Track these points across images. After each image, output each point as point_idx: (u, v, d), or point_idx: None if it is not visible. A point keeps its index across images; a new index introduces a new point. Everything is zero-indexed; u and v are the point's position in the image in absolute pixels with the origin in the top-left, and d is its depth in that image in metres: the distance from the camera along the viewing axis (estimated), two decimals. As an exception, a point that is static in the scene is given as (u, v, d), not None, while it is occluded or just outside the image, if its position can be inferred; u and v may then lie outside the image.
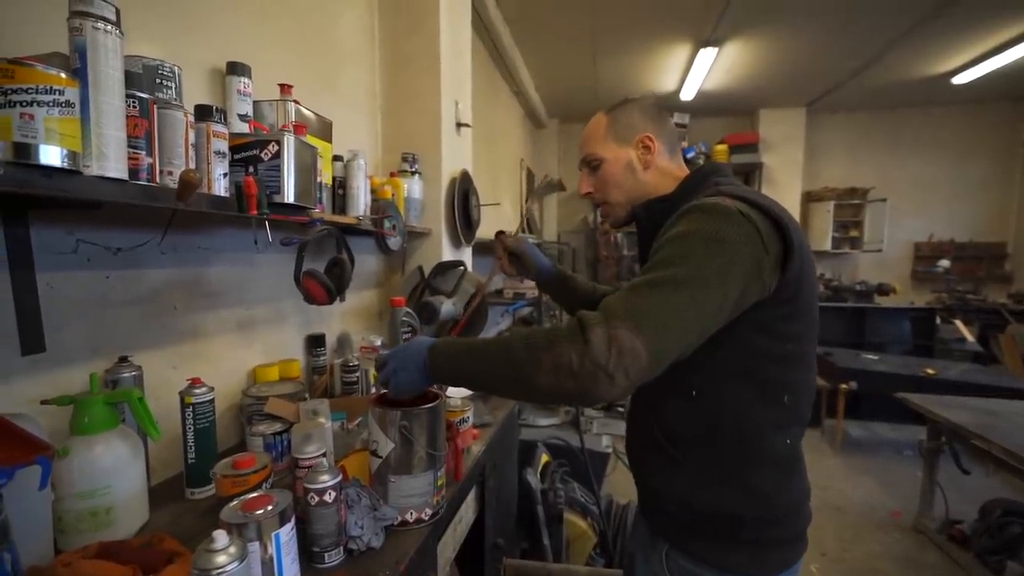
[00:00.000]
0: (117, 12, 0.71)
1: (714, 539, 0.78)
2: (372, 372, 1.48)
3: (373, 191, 1.64)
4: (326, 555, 0.77)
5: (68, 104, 0.64)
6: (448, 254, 2.11)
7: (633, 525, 1.00)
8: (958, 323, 4.72)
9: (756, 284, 0.68)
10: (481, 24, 3.16)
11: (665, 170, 0.89)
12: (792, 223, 0.72)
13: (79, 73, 0.67)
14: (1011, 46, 3.89)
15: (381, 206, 1.62)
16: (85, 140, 0.68)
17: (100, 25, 0.69)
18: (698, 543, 0.79)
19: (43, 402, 0.80)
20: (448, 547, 1.08)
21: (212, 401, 0.99)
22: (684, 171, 0.90)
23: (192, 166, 0.89)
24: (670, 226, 0.73)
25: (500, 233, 1.23)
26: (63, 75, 0.63)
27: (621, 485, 2.67)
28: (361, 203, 1.52)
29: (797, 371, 0.76)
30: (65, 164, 0.64)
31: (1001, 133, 5.52)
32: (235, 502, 0.70)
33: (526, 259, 1.18)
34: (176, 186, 0.80)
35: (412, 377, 0.76)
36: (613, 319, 0.61)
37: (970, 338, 4.61)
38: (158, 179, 0.82)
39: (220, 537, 0.58)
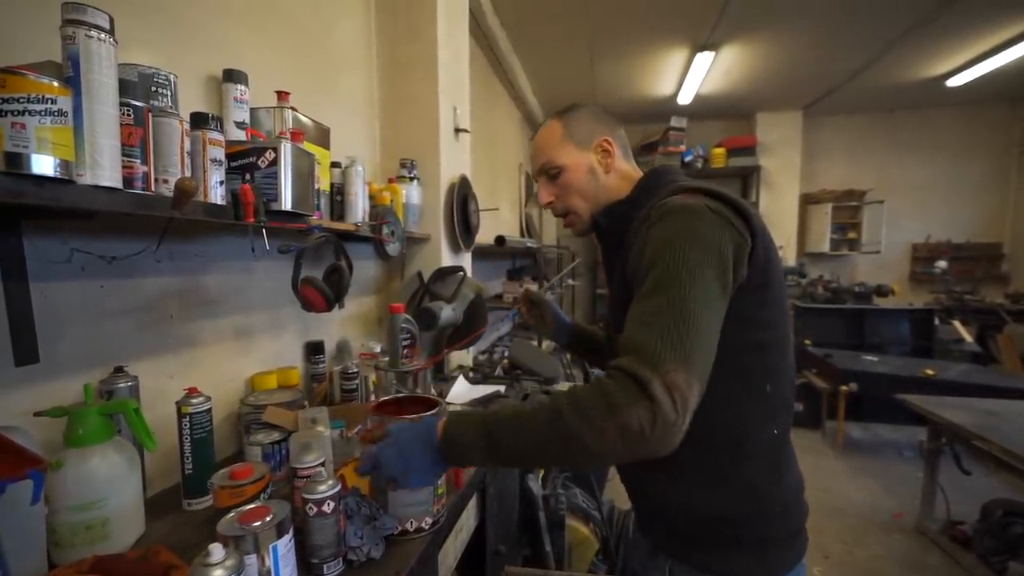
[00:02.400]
0: (110, 20, 0.71)
1: (716, 545, 0.77)
2: (372, 379, 1.47)
3: (371, 197, 1.64)
4: (325, 566, 0.76)
5: (61, 113, 0.63)
6: (447, 260, 2.10)
7: (632, 543, 0.98)
8: (956, 324, 4.72)
9: (741, 272, 0.69)
10: (479, 30, 3.17)
11: (623, 173, 0.89)
12: (752, 208, 0.73)
13: (72, 82, 0.67)
14: (1006, 48, 3.92)
15: (379, 212, 1.61)
16: (78, 149, 0.67)
17: (93, 33, 0.68)
18: (700, 552, 0.78)
19: (36, 414, 0.79)
20: (449, 556, 1.07)
21: (209, 411, 0.98)
22: (639, 173, 0.90)
23: (188, 174, 0.88)
24: (646, 233, 0.72)
25: (527, 288, 1.24)
26: (55, 84, 0.62)
27: (623, 491, 2.66)
28: (359, 209, 1.52)
29: (774, 357, 0.76)
30: (58, 173, 0.63)
31: (997, 134, 5.55)
32: (232, 514, 0.69)
33: (546, 310, 1.16)
34: (172, 194, 0.80)
35: (424, 466, 0.68)
36: (661, 364, 0.58)
37: (968, 338, 4.61)
38: (153, 187, 0.81)
39: (216, 551, 0.57)
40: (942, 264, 5.51)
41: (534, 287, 1.20)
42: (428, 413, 0.86)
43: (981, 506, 2.36)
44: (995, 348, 4.61)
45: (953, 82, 4.65)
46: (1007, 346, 4.48)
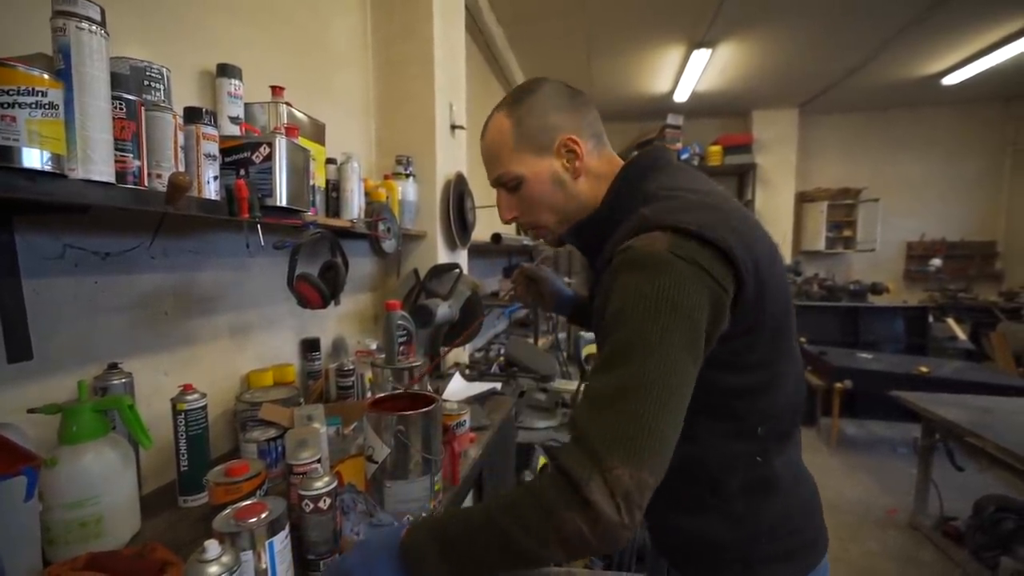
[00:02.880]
0: (102, 12, 0.70)
1: (702, 561, 0.73)
2: (368, 376, 1.47)
3: (367, 194, 1.63)
4: (322, 563, 0.76)
5: (51, 106, 0.62)
6: (444, 257, 2.10)
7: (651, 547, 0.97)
8: (950, 321, 4.75)
9: (721, 325, 0.60)
10: (475, 26, 3.16)
11: (597, 172, 0.75)
12: (738, 236, 0.60)
13: (63, 74, 0.66)
14: (999, 47, 3.94)
15: (375, 209, 1.61)
16: (69, 143, 0.66)
17: (84, 25, 0.67)
18: (691, 563, 0.75)
19: (30, 411, 0.78)
20: (445, 552, 1.07)
21: (204, 408, 0.97)
22: (615, 164, 0.76)
23: (181, 169, 0.88)
24: (609, 280, 0.61)
25: (523, 264, 1.16)
26: (46, 76, 0.62)
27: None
28: (355, 206, 1.51)
29: (769, 396, 0.68)
30: (49, 167, 0.62)
31: (990, 133, 5.58)
32: (227, 510, 0.68)
33: (544, 284, 1.07)
34: (165, 189, 0.79)
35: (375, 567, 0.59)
36: (604, 461, 0.51)
37: (962, 336, 4.64)
38: (146, 182, 0.80)
39: (212, 547, 0.56)
40: (936, 262, 5.55)
41: (531, 264, 1.14)
42: (423, 409, 0.86)
43: (974, 502, 2.38)
44: (988, 346, 4.65)
45: (948, 81, 4.67)
46: (1000, 344, 4.52)
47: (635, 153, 0.75)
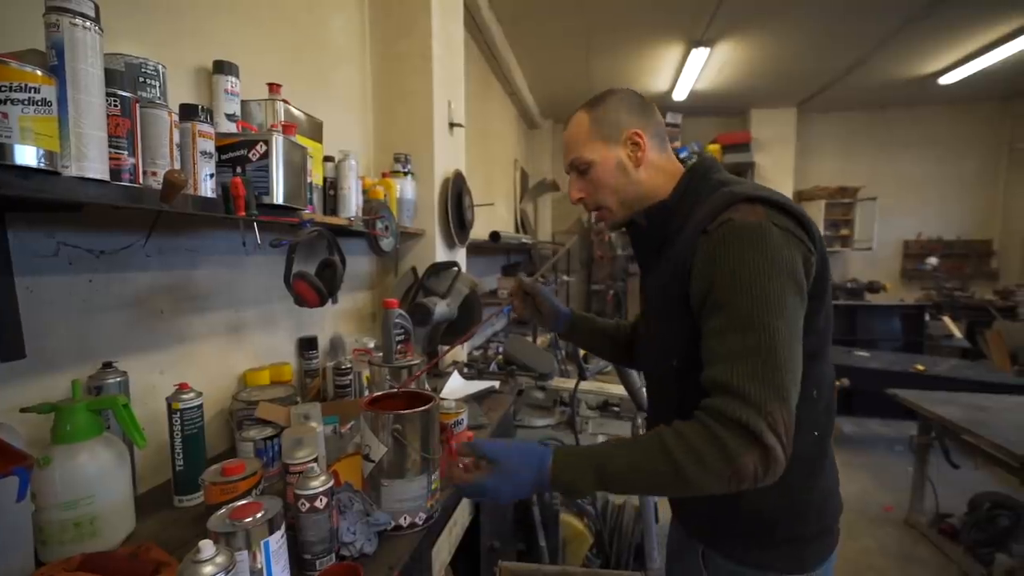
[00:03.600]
0: (96, 8, 0.69)
1: (750, 539, 0.78)
2: (365, 375, 1.46)
3: (365, 192, 1.62)
4: (318, 562, 0.75)
5: (44, 102, 0.62)
6: (442, 255, 2.09)
7: (668, 536, 0.99)
8: (946, 320, 4.77)
9: (809, 282, 0.69)
10: (474, 24, 3.15)
11: (658, 166, 0.84)
12: (809, 217, 0.72)
13: (56, 71, 0.65)
14: (996, 46, 3.94)
15: (373, 207, 1.60)
16: (63, 140, 0.66)
17: (78, 21, 0.66)
18: (736, 544, 0.80)
19: (23, 410, 0.77)
20: (443, 551, 1.07)
21: (200, 406, 0.97)
22: (676, 165, 0.86)
23: (177, 166, 0.87)
24: (708, 253, 0.69)
25: (519, 277, 1.17)
26: (39, 72, 0.61)
27: (616, 485, 2.67)
28: (353, 204, 1.50)
29: (821, 364, 0.76)
30: (42, 164, 0.62)
31: (987, 132, 5.60)
32: (223, 510, 0.68)
33: (540, 299, 1.10)
34: (160, 187, 0.78)
35: (523, 488, 0.70)
36: (764, 407, 0.61)
37: (958, 334, 4.66)
38: (141, 180, 0.80)
39: (206, 547, 0.56)
40: (933, 261, 5.57)
41: (528, 278, 1.14)
42: (420, 408, 0.86)
43: (969, 499, 2.39)
44: (984, 344, 4.67)
45: (945, 80, 4.68)
46: (996, 342, 4.54)
47: (696, 160, 0.85)
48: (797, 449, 0.71)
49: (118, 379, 0.93)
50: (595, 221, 0.92)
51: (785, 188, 5.77)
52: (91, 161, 0.69)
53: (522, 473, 0.69)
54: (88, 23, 0.68)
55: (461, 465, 0.73)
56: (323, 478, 0.76)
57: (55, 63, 0.66)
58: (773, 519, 0.76)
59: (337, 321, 1.79)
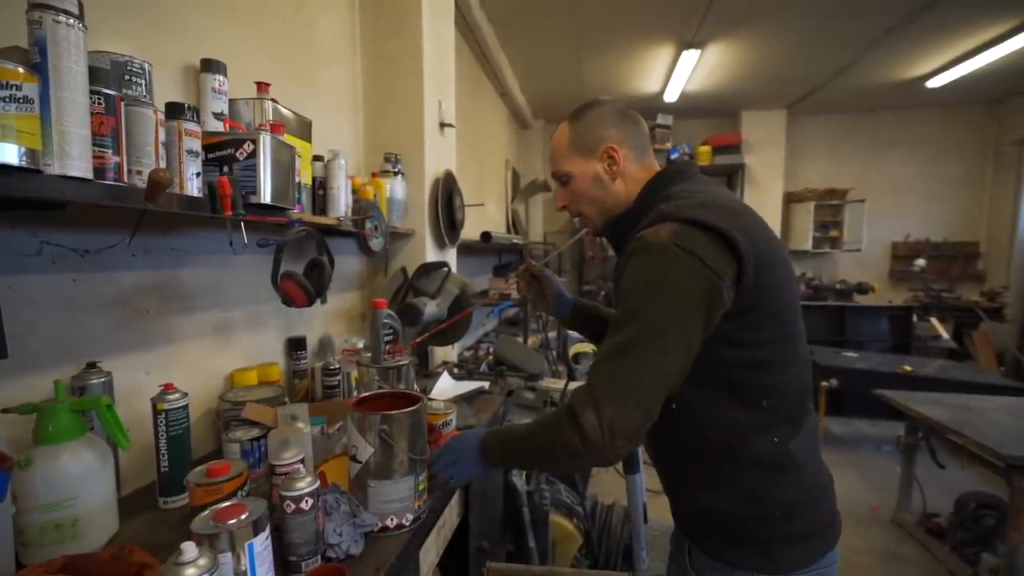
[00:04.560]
0: (80, 5, 0.68)
1: (723, 538, 0.81)
2: (354, 375, 1.46)
3: (354, 191, 1.62)
4: (303, 564, 0.75)
5: (26, 100, 0.61)
6: (432, 255, 2.09)
7: (671, 535, 1.02)
8: (934, 321, 4.83)
9: (719, 307, 0.71)
10: (465, 25, 3.15)
11: (635, 177, 0.88)
12: (743, 231, 0.71)
13: (39, 68, 0.65)
14: (983, 50, 4.00)
15: (362, 207, 1.60)
16: (46, 137, 0.65)
17: (61, 18, 0.66)
18: (712, 541, 0.82)
19: (4, 411, 0.76)
20: (431, 552, 1.07)
21: (186, 407, 0.96)
22: (651, 172, 0.89)
23: (163, 165, 0.86)
24: (624, 263, 0.76)
25: (528, 260, 1.21)
26: (20, 70, 0.60)
27: (606, 485, 2.68)
28: (342, 204, 1.50)
29: (772, 374, 0.77)
30: (23, 163, 0.61)
31: (974, 135, 5.68)
32: (207, 512, 0.67)
33: (547, 284, 1.16)
34: (145, 186, 0.78)
35: (471, 468, 0.88)
36: (598, 400, 0.69)
37: (945, 335, 4.72)
38: (126, 178, 0.79)
39: (189, 549, 0.56)
40: (921, 262, 5.64)
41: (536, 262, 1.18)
42: (408, 409, 0.86)
43: (955, 499, 2.42)
44: (971, 345, 4.74)
45: (933, 83, 4.74)
46: (982, 343, 4.61)
47: (666, 167, 0.89)
48: (755, 453, 0.77)
49: (102, 379, 0.92)
50: (579, 227, 0.97)
51: (775, 190, 5.82)
52: (74, 159, 0.68)
53: (464, 452, 0.87)
54: (72, 20, 0.67)
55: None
56: (309, 479, 0.76)
57: (38, 60, 0.65)
58: (742, 519, 0.78)
59: (326, 321, 1.78)
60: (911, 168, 5.83)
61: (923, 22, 3.56)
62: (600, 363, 0.72)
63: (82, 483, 0.78)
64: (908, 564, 2.35)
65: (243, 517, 0.66)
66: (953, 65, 4.32)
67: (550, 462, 0.81)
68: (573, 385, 1.93)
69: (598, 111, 0.89)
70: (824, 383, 3.53)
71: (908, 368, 3.46)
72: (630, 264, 0.74)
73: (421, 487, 0.90)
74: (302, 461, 0.86)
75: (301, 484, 0.75)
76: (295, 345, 1.53)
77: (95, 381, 0.91)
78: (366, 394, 0.95)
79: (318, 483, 0.77)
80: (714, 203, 0.76)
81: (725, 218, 0.71)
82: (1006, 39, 3.79)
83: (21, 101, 0.61)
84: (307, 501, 0.74)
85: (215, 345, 1.28)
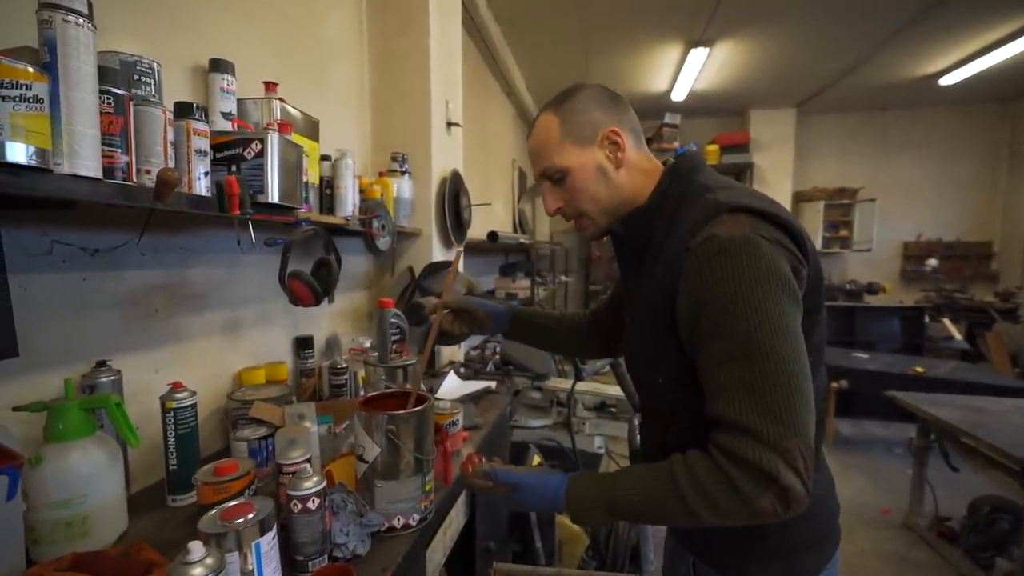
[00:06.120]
0: (89, 5, 0.69)
1: (741, 552, 0.75)
2: (361, 375, 1.46)
3: (362, 191, 1.62)
4: (310, 563, 0.75)
5: (36, 100, 0.61)
6: (439, 255, 2.09)
7: (666, 541, 0.96)
8: (946, 321, 4.77)
9: (802, 295, 0.65)
10: (472, 23, 3.15)
11: (638, 166, 0.77)
12: (800, 226, 0.67)
13: (49, 68, 0.65)
14: (996, 47, 3.94)
15: (370, 206, 1.60)
16: (55, 137, 0.65)
17: (71, 18, 0.66)
18: (725, 554, 0.77)
19: (15, 408, 0.77)
20: (438, 552, 1.06)
21: (194, 406, 0.96)
22: (655, 164, 0.79)
23: (171, 165, 0.87)
24: (694, 272, 0.64)
25: (433, 302, 1.05)
26: (31, 69, 0.61)
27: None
28: (349, 203, 1.50)
29: (816, 377, 0.70)
30: (33, 162, 0.61)
31: (987, 134, 5.60)
32: (214, 511, 0.67)
33: (476, 311, 1.02)
34: (153, 185, 0.78)
35: (543, 504, 0.73)
36: (779, 443, 0.57)
37: (958, 336, 4.66)
38: (135, 178, 0.79)
39: (196, 548, 0.56)
40: (933, 262, 5.57)
41: (454, 289, 1.05)
42: (414, 409, 0.86)
43: (969, 503, 2.39)
44: (984, 346, 4.66)
45: (946, 81, 4.67)
46: (996, 344, 4.54)
47: (677, 157, 0.79)
48: None
49: (112, 378, 0.92)
50: (576, 231, 0.82)
51: (784, 189, 5.77)
52: (83, 159, 0.69)
53: (535, 502, 0.72)
54: (81, 20, 0.68)
55: (478, 481, 0.75)
56: (316, 479, 0.76)
57: (48, 60, 0.66)
58: (763, 530, 0.72)
59: (334, 320, 1.79)
60: (923, 167, 5.76)
61: (935, 19, 3.51)
62: (753, 398, 0.59)
63: (92, 481, 0.78)
64: (919, 568, 2.32)
65: (250, 516, 0.66)
66: (966, 63, 4.26)
67: (698, 525, 0.63)
68: (581, 385, 1.92)
69: (586, 92, 0.77)
70: (834, 384, 3.49)
71: (920, 369, 3.41)
72: (714, 267, 0.62)
73: (428, 487, 0.90)
74: (309, 460, 0.85)
75: (308, 484, 0.75)
76: (303, 344, 1.53)
77: (105, 379, 0.91)
78: (373, 393, 0.95)
79: (324, 483, 0.77)
80: (758, 194, 0.69)
81: (781, 210, 0.66)
82: (1020, 36, 3.73)
83: (31, 101, 0.61)
84: (313, 501, 0.74)
85: (223, 344, 1.28)
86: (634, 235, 0.79)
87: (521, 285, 3.23)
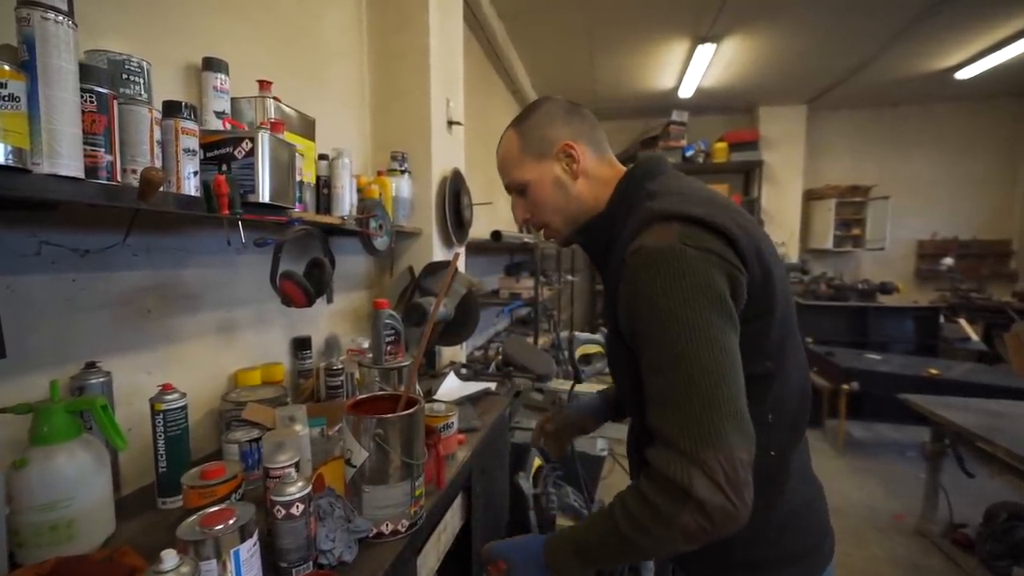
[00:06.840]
0: (69, 2, 0.68)
1: (709, 563, 0.75)
2: (357, 376, 1.45)
3: (360, 190, 1.61)
4: (294, 570, 0.73)
5: (12, 98, 0.60)
6: (439, 254, 2.07)
7: None
8: (962, 322, 4.66)
9: (739, 305, 0.63)
10: (475, 20, 3.13)
11: (597, 175, 0.80)
12: (741, 229, 0.64)
13: (28, 66, 0.64)
14: (1014, 41, 3.83)
15: (367, 206, 1.58)
16: (34, 136, 0.64)
17: (50, 15, 0.65)
18: (698, 564, 0.77)
19: (1, 411, 0.76)
20: (431, 557, 1.05)
21: (184, 407, 0.96)
22: (615, 170, 0.81)
23: (158, 164, 0.86)
24: (630, 282, 0.65)
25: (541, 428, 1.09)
26: (6, 67, 0.60)
27: (616, 489, 2.63)
28: (346, 203, 1.49)
29: (779, 384, 0.70)
30: (10, 162, 0.61)
31: (1004, 130, 5.46)
32: (193, 517, 0.66)
33: (572, 426, 1.05)
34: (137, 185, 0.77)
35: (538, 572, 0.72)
36: (695, 456, 0.55)
37: (974, 337, 4.54)
38: (119, 177, 0.78)
39: (168, 558, 0.54)
40: (948, 261, 5.44)
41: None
42: (403, 412, 0.84)
43: (985, 509, 2.32)
44: (1002, 347, 4.54)
45: (962, 75, 4.56)
46: (1014, 345, 4.41)
47: (636, 161, 0.80)
48: (755, 470, 0.65)
49: (101, 379, 0.92)
50: (544, 239, 0.86)
51: (794, 187, 5.68)
52: (64, 158, 0.68)
53: (530, 569, 0.72)
54: (60, 17, 0.67)
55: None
56: (300, 484, 0.74)
57: (26, 58, 0.65)
58: (729, 543, 0.67)
59: (333, 321, 1.78)
60: (937, 164, 5.63)
61: (949, 12, 3.42)
62: (669, 409, 0.59)
63: (78, 484, 0.78)
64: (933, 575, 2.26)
65: (229, 523, 0.64)
66: (982, 57, 4.15)
67: (659, 555, 0.65)
68: (579, 388, 1.89)
69: (544, 108, 0.81)
70: (845, 386, 3.42)
71: (934, 371, 3.33)
72: (644, 280, 0.62)
73: (418, 492, 0.88)
74: (296, 465, 0.84)
75: (292, 489, 0.73)
76: (300, 345, 1.53)
77: (94, 381, 0.91)
78: (362, 396, 0.93)
79: (310, 488, 0.75)
80: (701, 199, 0.68)
81: (717, 212, 0.65)
82: (1040, 28, 3.62)
83: (7, 99, 0.60)
84: (297, 507, 0.73)
85: (218, 345, 1.28)
86: (593, 241, 0.81)
87: (525, 285, 3.21)
